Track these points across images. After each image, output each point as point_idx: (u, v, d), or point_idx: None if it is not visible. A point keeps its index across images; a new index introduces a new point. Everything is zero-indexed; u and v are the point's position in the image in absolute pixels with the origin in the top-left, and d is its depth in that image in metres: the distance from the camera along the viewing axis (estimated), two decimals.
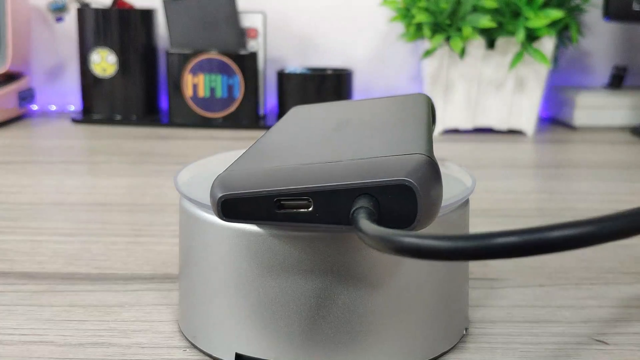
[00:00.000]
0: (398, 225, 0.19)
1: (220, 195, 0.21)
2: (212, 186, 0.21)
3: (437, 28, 0.74)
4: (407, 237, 0.17)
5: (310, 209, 0.20)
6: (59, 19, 0.85)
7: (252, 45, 0.83)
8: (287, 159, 0.22)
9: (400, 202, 0.19)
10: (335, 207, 0.20)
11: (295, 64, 0.90)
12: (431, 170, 0.20)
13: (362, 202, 0.19)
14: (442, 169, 0.29)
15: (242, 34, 0.82)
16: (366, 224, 0.18)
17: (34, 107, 0.91)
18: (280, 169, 0.21)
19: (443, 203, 0.24)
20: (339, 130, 0.26)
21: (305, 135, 0.26)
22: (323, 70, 0.83)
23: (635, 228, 0.16)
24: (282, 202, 0.20)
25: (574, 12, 0.77)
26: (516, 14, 0.73)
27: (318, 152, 0.23)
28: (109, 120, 0.83)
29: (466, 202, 0.26)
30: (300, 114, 0.32)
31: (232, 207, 0.21)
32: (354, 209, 0.19)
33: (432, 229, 0.23)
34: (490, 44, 0.76)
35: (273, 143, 0.26)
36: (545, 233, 0.15)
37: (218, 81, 0.80)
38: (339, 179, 0.20)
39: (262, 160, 0.23)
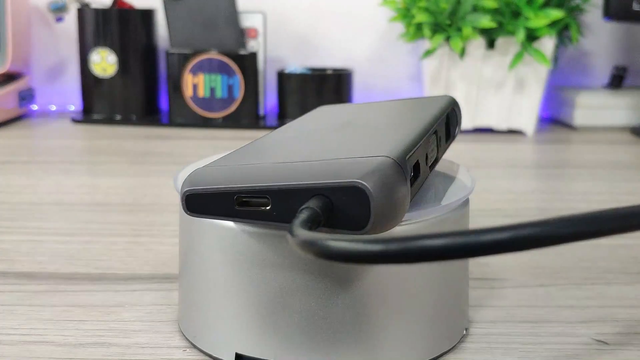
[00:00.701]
0: (351, 229, 0.19)
1: (185, 190, 0.22)
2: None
3: (437, 28, 0.74)
4: (334, 241, 0.16)
5: (268, 207, 0.20)
6: (59, 19, 0.85)
7: (252, 45, 0.83)
8: (259, 157, 0.23)
9: (354, 205, 0.19)
10: (291, 206, 0.20)
11: (295, 64, 0.90)
12: (391, 174, 0.19)
13: (311, 203, 0.19)
14: (441, 169, 0.29)
15: (242, 34, 0.82)
16: (296, 226, 0.17)
17: (34, 107, 0.91)
18: (244, 167, 0.22)
19: (443, 203, 0.24)
20: (332, 132, 0.26)
21: (296, 135, 0.27)
22: (323, 70, 0.83)
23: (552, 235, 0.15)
24: (242, 200, 0.21)
25: (574, 12, 0.77)
26: (516, 14, 0.73)
27: (290, 151, 0.23)
28: (109, 120, 0.83)
29: (466, 202, 0.26)
30: (318, 114, 0.32)
31: (195, 201, 0.22)
32: (300, 209, 0.19)
33: (431, 229, 0.23)
34: (490, 44, 0.76)
35: (262, 142, 0.26)
36: (476, 236, 0.15)
37: (218, 81, 0.80)
38: (293, 179, 0.20)
39: (239, 158, 0.23)
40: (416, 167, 0.22)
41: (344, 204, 0.19)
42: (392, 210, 0.19)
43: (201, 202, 0.22)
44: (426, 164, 0.24)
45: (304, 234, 0.17)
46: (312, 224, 0.18)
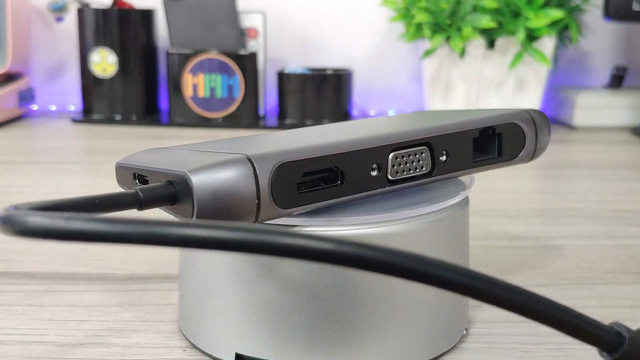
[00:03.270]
0: (188, 217, 0.20)
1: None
2: None
3: (437, 28, 0.74)
4: (31, 217, 0.16)
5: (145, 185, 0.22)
6: (59, 19, 0.85)
7: (252, 45, 0.83)
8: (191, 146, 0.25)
9: (186, 195, 0.20)
10: (152, 189, 0.21)
11: (295, 64, 0.90)
12: (228, 171, 0.19)
13: (150, 187, 0.20)
14: None
15: (242, 34, 0.82)
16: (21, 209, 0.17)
17: (34, 107, 0.91)
18: (157, 150, 0.24)
19: (442, 202, 0.24)
20: (311, 132, 0.26)
21: (285, 133, 0.27)
22: (323, 70, 0.83)
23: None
24: (139, 180, 0.23)
25: (574, 12, 0.77)
26: (516, 14, 0.73)
27: (214, 146, 0.24)
28: (109, 120, 0.83)
29: (466, 202, 0.26)
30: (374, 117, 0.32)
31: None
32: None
33: (431, 228, 0.23)
34: (490, 44, 0.76)
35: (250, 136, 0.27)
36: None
37: (218, 81, 0.80)
38: (162, 167, 0.21)
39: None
40: (324, 172, 0.22)
41: (181, 193, 0.20)
42: (221, 204, 0.19)
43: None
44: (384, 173, 0.23)
45: (14, 212, 0.16)
46: (118, 205, 0.20)
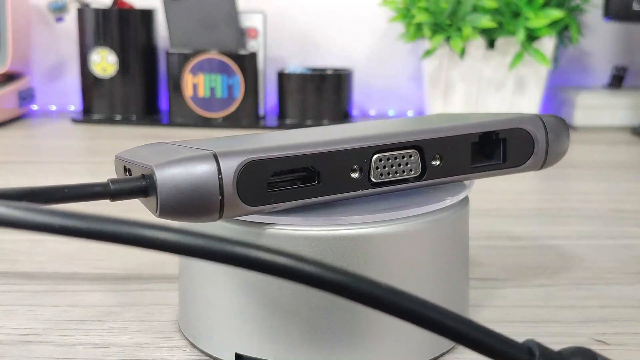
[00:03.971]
0: (154, 210, 0.21)
1: None
2: None
3: (437, 28, 0.74)
4: None
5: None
6: (59, 19, 0.85)
7: (252, 45, 0.83)
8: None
9: (153, 189, 0.20)
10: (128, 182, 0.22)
11: (295, 64, 0.90)
12: (192, 166, 0.20)
13: (127, 180, 0.21)
14: None
15: (242, 34, 0.82)
16: None
17: (34, 107, 0.91)
18: (154, 145, 0.24)
19: (440, 202, 0.24)
20: (277, 134, 0.26)
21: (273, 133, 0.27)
22: (323, 70, 0.83)
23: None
24: (128, 172, 0.23)
25: (574, 12, 0.77)
26: (516, 14, 0.73)
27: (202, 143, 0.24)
28: (109, 120, 0.83)
29: (466, 202, 0.26)
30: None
31: None
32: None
33: (431, 228, 0.23)
34: (490, 44, 0.76)
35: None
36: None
37: (218, 81, 0.80)
38: (139, 160, 0.22)
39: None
40: (295, 171, 0.22)
41: (151, 187, 0.21)
42: (184, 199, 0.20)
43: None
44: (366, 175, 0.23)
45: None
46: (87, 196, 0.21)
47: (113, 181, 0.21)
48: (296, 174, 0.22)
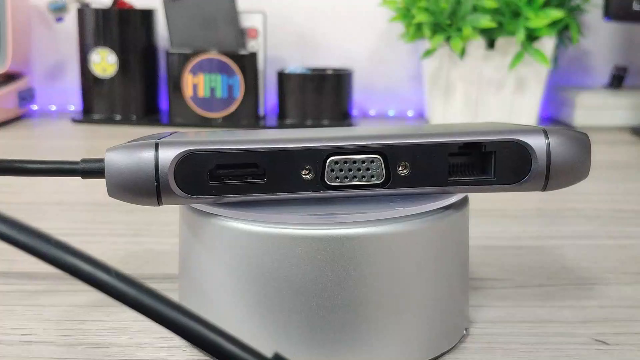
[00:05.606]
0: None
1: None
2: None
3: (437, 28, 0.74)
4: None
5: None
6: (59, 19, 0.85)
7: (252, 45, 0.83)
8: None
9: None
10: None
11: (295, 64, 0.90)
12: (135, 153, 0.22)
13: (89, 158, 0.25)
14: None
15: (242, 34, 0.82)
16: None
17: (34, 107, 0.91)
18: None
19: (440, 202, 0.24)
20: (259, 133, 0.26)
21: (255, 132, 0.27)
22: (323, 70, 0.83)
23: None
24: None
25: (574, 12, 0.77)
26: (516, 14, 0.73)
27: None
28: (109, 120, 0.83)
29: (466, 202, 0.26)
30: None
31: None
32: None
33: (431, 228, 0.23)
34: (490, 44, 0.76)
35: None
36: None
37: (218, 81, 0.80)
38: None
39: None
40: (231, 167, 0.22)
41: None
42: (126, 182, 0.22)
43: None
44: (319, 177, 0.22)
45: None
46: (59, 171, 0.25)
47: (83, 161, 0.24)
48: (246, 169, 0.23)
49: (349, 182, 0.23)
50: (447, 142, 0.23)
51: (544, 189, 0.23)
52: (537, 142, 0.23)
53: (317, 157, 0.22)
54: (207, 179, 0.22)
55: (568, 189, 0.25)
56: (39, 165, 0.25)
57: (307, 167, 0.22)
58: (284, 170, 0.22)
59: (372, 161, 0.23)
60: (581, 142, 0.24)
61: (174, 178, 0.22)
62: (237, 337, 0.16)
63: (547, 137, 0.23)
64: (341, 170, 0.23)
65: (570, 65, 0.93)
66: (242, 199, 0.23)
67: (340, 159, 0.22)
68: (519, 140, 0.23)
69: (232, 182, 0.22)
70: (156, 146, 0.22)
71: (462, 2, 0.72)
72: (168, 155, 0.22)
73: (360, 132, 0.24)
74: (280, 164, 0.22)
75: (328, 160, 0.22)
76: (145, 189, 0.22)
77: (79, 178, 0.26)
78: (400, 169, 0.23)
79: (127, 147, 0.22)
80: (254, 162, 0.22)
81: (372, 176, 0.23)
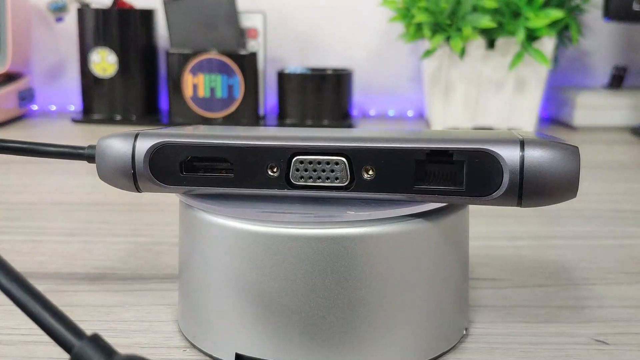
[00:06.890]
0: None
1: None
2: None
3: (437, 28, 0.74)
4: None
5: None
6: (59, 19, 0.85)
7: (252, 45, 0.83)
8: None
9: None
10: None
11: (295, 64, 0.90)
12: (118, 142, 0.24)
13: (93, 144, 0.26)
14: None
15: (242, 34, 0.82)
16: None
17: (34, 107, 0.91)
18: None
19: (439, 201, 0.24)
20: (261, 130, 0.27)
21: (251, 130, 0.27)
22: (323, 70, 0.83)
23: None
24: None
25: (574, 12, 0.77)
26: (516, 14, 0.73)
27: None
28: (109, 120, 0.83)
29: None
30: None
31: None
32: None
33: (431, 228, 0.23)
34: (490, 44, 0.76)
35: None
36: None
37: (218, 81, 0.80)
38: None
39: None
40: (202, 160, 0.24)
41: None
42: (110, 168, 0.24)
43: None
44: (283, 176, 0.23)
45: None
46: (67, 155, 0.27)
47: (89, 147, 0.26)
48: (218, 163, 0.24)
49: (313, 182, 0.23)
50: (413, 148, 0.22)
51: (520, 205, 0.21)
52: (509, 154, 0.21)
53: (282, 155, 0.23)
54: (180, 170, 0.24)
55: None
56: (51, 148, 0.28)
57: (273, 165, 0.23)
58: (251, 166, 0.23)
59: (337, 163, 0.23)
60: (567, 156, 0.21)
61: (149, 167, 0.24)
62: (62, 312, 0.17)
63: (522, 148, 0.21)
64: (306, 170, 0.23)
65: (570, 65, 0.93)
66: (211, 192, 0.24)
67: (305, 159, 0.23)
68: (489, 150, 0.21)
69: (202, 175, 0.24)
70: (136, 137, 0.24)
71: (462, 2, 0.72)
72: (144, 145, 0.24)
73: (328, 133, 0.24)
74: (247, 161, 0.23)
75: (293, 160, 0.23)
76: (125, 175, 0.24)
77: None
78: (364, 172, 0.23)
79: (114, 137, 0.24)
80: (223, 157, 0.23)
81: (337, 178, 0.23)
